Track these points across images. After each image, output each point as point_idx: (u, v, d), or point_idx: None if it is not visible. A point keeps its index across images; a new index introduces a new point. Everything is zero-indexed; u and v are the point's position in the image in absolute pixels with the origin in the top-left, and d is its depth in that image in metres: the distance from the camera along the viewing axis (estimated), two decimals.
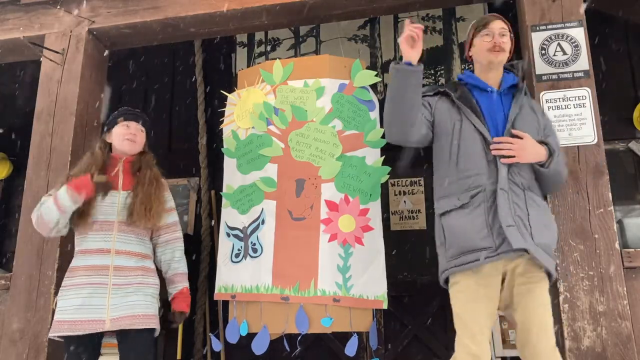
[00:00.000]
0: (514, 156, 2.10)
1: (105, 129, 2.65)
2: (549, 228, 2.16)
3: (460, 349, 2.07)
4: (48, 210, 2.39)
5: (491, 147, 2.13)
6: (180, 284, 2.62)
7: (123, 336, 2.41)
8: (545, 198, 2.27)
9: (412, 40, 2.13)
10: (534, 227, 2.08)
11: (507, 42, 2.26)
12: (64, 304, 2.39)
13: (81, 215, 2.43)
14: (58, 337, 2.41)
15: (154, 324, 2.45)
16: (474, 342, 2.04)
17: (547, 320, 2.06)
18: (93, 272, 2.40)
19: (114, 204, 2.48)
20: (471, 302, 2.10)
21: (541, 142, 2.18)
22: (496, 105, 2.24)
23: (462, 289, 2.14)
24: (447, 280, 2.22)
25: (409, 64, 2.14)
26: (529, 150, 2.12)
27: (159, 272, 2.63)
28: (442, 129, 2.26)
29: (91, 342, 2.42)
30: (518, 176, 2.14)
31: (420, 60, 2.16)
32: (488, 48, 2.24)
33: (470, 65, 2.42)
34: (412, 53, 2.14)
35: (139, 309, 2.40)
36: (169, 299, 2.62)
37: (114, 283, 2.39)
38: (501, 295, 2.14)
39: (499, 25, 2.26)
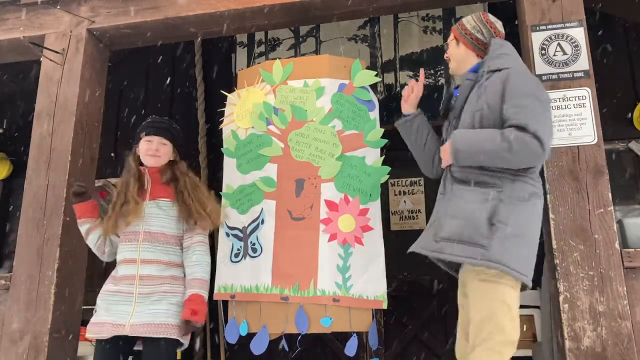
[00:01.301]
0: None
1: (135, 142, 2.70)
2: (457, 216, 2.08)
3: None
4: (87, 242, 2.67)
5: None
6: (190, 290, 2.49)
7: (147, 344, 2.45)
8: (486, 184, 2.10)
9: (406, 96, 2.44)
10: (442, 222, 2.12)
11: (450, 52, 2.39)
12: (97, 308, 2.49)
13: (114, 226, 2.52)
14: (94, 338, 2.47)
15: (173, 333, 2.40)
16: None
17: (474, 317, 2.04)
18: (121, 282, 2.48)
19: (140, 214, 2.53)
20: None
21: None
22: (461, 100, 2.30)
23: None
24: None
25: (404, 115, 2.46)
26: (444, 154, 2.19)
27: None
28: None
29: (116, 349, 2.44)
30: (456, 172, 2.18)
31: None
32: None
33: None
34: (405, 106, 2.46)
35: (160, 317, 2.41)
36: None
37: (139, 292, 2.44)
38: None
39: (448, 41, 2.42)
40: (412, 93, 2.43)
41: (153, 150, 2.61)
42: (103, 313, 2.44)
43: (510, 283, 2.01)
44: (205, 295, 2.52)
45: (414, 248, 2.17)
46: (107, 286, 2.53)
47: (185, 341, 2.49)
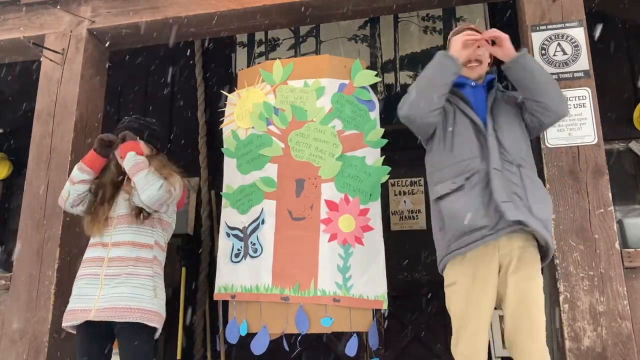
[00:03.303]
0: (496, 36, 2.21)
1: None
2: (546, 203, 2.20)
3: (457, 356, 2.12)
4: (64, 187, 2.61)
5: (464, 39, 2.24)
6: None
7: (118, 329, 2.43)
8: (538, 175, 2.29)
9: (466, 45, 2.28)
10: (532, 201, 2.12)
11: (483, 53, 2.35)
12: (72, 294, 2.52)
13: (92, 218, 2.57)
14: (70, 327, 2.50)
15: (135, 317, 2.38)
16: (469, 346, 2.09)
17: (538, 320, 2.07)
18: (91, 264, 2.52)
19: (115, 203, 2.60)
20: (466, 304, 2.13)
21: None
22: (481, 96, 2.33)
23: (458, 289, 2.16)
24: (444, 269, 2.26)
25: (455, 58, 2.26)
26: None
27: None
28: None
29: (92, 335, 2.44)
30: (509, 154, 2.18)
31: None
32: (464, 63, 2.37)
33: None
34: (462, 52, 2.28)
35: (123, 301, 2.39)
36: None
37: (106, 274, 2.46)
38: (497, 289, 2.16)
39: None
40: (471, 47, 2.31)
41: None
42: (74, 299, 2.48)
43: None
44: (137, 157, 2.53)
45: (518, 217, 2.06)
46: (80, 270, 2.56)
47: (152, 322, 2.42)
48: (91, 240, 2.59)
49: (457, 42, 2.26)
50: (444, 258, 2.21)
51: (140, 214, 2.54)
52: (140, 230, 2.55)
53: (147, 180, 2.47)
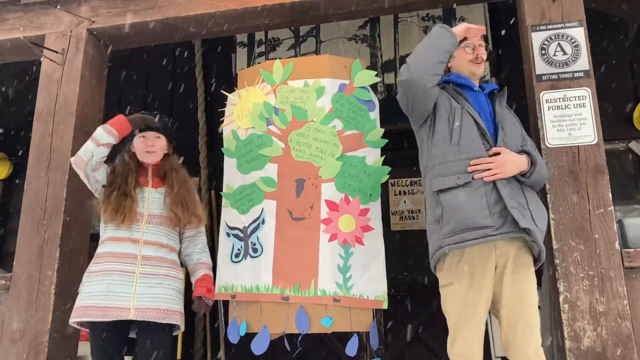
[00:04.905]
0: (496, 173, 2.15)
1: (129, 139, 2.73)
2: (544, 215, 2.24)
3: (453, 357, 2.14)
4: (85, 147, 2.56)
5: (469, 169, 2.17)
6: (201, 271, 2.67)
7: (143, 327, 2.45)
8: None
9: (469, 32, 2.34)
10: (534, 211, 2.17)
11: (485, 53, 2.40)
12: (90, 289, 2.45)
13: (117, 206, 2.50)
14: (81, 323, 2.47)
15: (177, 319, 2.49)
16: (466, 347, 2.12)
17: (533, 321, 2.11)
18: (121, 260, 2.46)
19: (143, 199, 2.58)
20: (463, 304, 2.15)
21: (521, 152, 2.25)
22: (484, 104, 2.34)
23: (455, 289, 2.18)
24: (436, 266, 2.30)
25: (453, 33, 2.30)
26: (509, 164, 2.17)
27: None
28: (442, 110, 2.30)
29: (117, 332, 2.46)
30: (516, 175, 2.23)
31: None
32: (470, 59, 2.37)
33: None
34: (461, 32, 2.32)
35: (164, 303, 2.45)
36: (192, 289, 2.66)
37: (141, 272, 2.45)
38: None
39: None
40: (478, 31, 2.37)
41: (149, 146, 2.65)
42: (102, 296, 2.40)
43: None
44: (212, 278, 2.71)
45: (528, 225, 2.11)
46: (103, 265, 2.46)
47: (182, 325, 2.55)
48: (114, 234, 2.51)
49: (462, 25, 2.33)
50: (438, 251, 2.21)
51: (178, 223, 2.60)
52: (171, 234, 2.62)
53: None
